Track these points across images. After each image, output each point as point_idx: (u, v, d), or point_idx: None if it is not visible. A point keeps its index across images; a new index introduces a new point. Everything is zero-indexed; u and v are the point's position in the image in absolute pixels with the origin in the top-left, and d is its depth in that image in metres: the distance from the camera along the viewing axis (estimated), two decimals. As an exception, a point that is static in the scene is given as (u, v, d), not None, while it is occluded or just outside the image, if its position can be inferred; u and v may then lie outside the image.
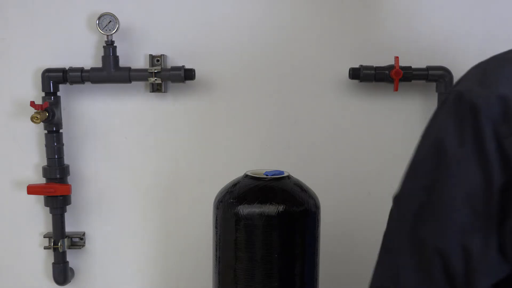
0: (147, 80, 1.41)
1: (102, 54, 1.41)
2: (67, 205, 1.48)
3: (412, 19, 1.47)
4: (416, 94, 1.49)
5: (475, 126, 0.63)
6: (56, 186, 1.43)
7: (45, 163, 1.45)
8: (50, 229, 1.49)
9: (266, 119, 1.49)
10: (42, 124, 1.39)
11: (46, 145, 1.44)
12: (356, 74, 1.42)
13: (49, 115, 1.37)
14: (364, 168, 1.52)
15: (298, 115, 1.49)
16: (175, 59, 1.45)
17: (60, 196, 1.44)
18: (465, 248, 0.63)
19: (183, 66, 1.41)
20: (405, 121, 1.50)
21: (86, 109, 1.48)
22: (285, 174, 1.20)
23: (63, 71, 1.41)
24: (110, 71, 1.40)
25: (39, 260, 1.54)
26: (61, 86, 1.44)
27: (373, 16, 1.46)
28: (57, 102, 1.43)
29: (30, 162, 1.50)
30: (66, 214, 1.49)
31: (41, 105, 1.36)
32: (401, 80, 1.40)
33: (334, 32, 1.46)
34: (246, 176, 1.19)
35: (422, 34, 1.48)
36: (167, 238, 1.54)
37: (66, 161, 1.47)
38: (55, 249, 1.47)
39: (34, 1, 1.44)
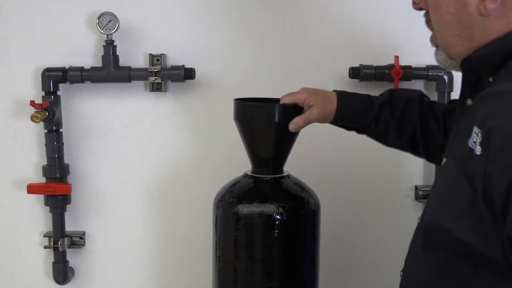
0: (147, 79, 1.41)
1: (102, 53, 1.41)
2: (67, 204, 1.48)
3: (412, 18, 1.47)
4: (416, 93, 1.49)
5: None
6: (56, 186, 1.43)
7: (45, 162, 1.45)
8: (50, 228, 1.49)
9: (266, 118, 1.49)
10: (42, 123, 1.39)
11: (46, 144, 1.44)
12: (356, 73, 1.42)
13: (49, 114, 1.37)
14: (364, 168, 1.52)
15: (298, 115, 1.49)
16: (175, 59, 1.45)
17: (60, 195, 1.44)
18: None
19: (183, 65, 1.41)
20: (405, 120, 1.50)
21: (86, 109, 1.48)
22: (285, 174, 1.19)
23: (63, 70, 1.41)
24: (110, 71, 1.40)
25: (39, 259, 1.54)
26: (61, 86, 1.44)
27: (373, 16, 1.46)
28: (57, 101, 1.43)
29: (30, 161, 1.49)
30: (66, 214, 1.49)
31: (41, 104, 1.36)
32: (401, 79, 1.40)
33: (334, 31, 1.47)
34: (246, 175, 1.19)
35: (422, 34, 1.47)
36: (167, 238, 1.54)
37: (66, 160, 1.47)
38: (55, 249, 1.47)
39: (34, 0, 1.44)
